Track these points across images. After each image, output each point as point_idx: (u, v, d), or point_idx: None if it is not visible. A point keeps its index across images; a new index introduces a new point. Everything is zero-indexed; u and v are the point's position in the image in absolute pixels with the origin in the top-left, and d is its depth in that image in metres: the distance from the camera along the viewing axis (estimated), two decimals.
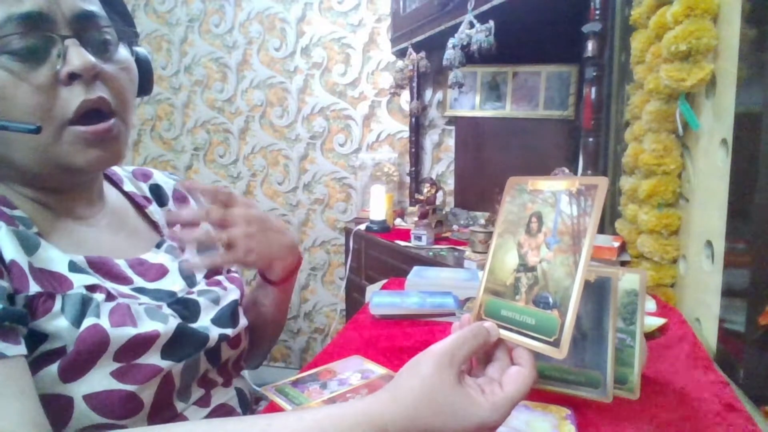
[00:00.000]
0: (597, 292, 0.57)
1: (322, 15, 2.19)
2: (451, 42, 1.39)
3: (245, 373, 0.71)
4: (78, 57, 0.49)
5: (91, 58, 0.50)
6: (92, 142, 0.51)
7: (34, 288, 0.46)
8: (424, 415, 0.39)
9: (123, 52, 0.56)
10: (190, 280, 0.63)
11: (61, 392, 0.46)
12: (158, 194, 0.69)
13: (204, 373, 0.59)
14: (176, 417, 0.54)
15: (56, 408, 0.44)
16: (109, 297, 0.51)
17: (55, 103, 0.49)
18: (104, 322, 0.48)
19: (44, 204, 0.54)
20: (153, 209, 0.66)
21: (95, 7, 0.53)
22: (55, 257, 0.50)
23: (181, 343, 0.54)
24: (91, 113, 0.51)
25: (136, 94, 0.59)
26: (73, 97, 0.50)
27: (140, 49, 0.62)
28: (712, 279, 0.81)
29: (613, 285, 0.56)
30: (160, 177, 0.72)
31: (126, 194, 0.67)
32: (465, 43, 1.34)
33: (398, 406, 0.39)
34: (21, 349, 0.43)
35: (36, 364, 0.45)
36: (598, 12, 1.13)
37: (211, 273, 0.68)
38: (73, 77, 0.49)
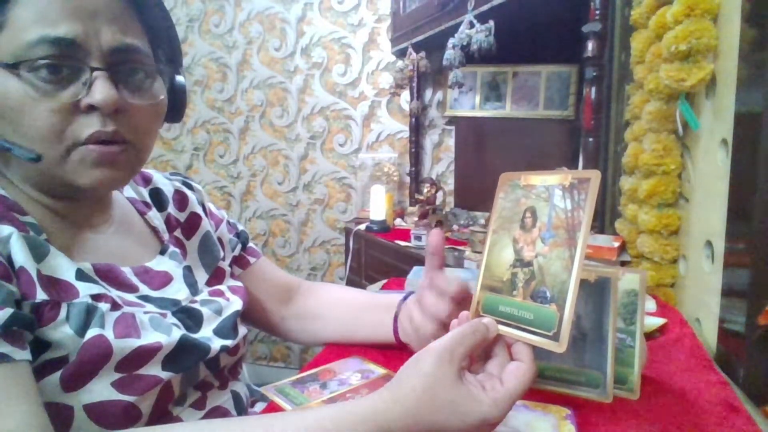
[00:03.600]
0: (597, 292, 0.57)
1: (322, 15, 2.19)
2: (451, 42, 1.39)
3: (244, 375, 0.71)
4: (102, 91, 0.48)
5: (115, 94, 0.49)
6: (98, 162, 0.50)
7: (40, 295, 0.46)
8: (426, 413, 0.39)
9: (157, 85, 0.55)
10: (193, 288, 0.62)
11: (62, 401, 0.46)
12: (158, 199, 0.69)
13: (202, 378, 0.59)
14: (172, 420, 0.54)
15: (56, 417, 0.44)
16: (115, 306, 0.51)
17: (68, 127, 0.49)
18: (108, 332, 0.48)
19: (54, 210, 0.54)
20: (152, 215, 0.66)
21: (137, 41, 0.52)
22: (63, 265, 0.49)
23: (183, 354, 0.54)
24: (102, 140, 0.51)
25: (162, 125, 0.59)
26: (88, 126, 0.49)
27: (179, 78, 0.61)
28: (712, 279, 0.81)
29: (613, 285, 0.56)
30: (160, 180, 0.71)
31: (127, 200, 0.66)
32: (465, 43, 1.34)
33: (400, 404, 0.39)
34: (27, 354, 0.43)
35: (38, 372, 0.45)
36: (598, 12, 1.12)
37: (214, 282, 0.67)
38: (92, 108, 0.49)
